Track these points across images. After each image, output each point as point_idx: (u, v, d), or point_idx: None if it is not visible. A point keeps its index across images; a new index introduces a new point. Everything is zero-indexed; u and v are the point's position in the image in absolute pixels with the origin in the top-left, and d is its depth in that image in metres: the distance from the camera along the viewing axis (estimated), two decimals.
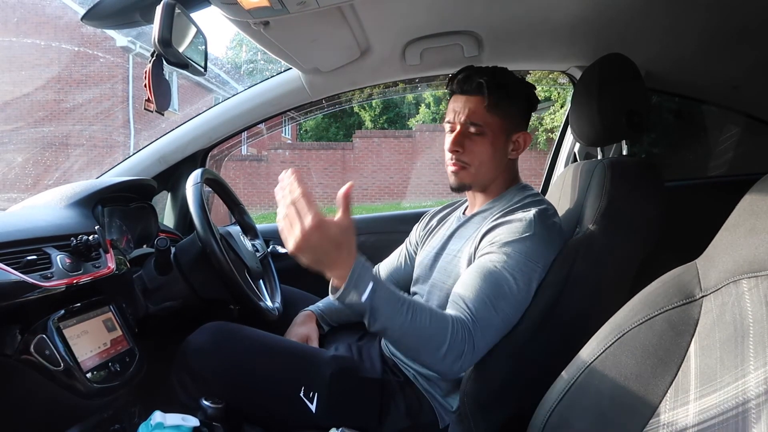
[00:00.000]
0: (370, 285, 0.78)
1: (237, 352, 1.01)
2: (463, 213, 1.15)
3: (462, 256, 1.02)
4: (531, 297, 0.91)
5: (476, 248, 0.98)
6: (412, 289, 1.17)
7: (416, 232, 1.29)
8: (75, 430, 0.87)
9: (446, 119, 1.07)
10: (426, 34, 1.22)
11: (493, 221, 0.98)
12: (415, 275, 1.17)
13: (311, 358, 1.05)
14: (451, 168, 1.06)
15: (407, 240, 1.31)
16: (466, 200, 1.17)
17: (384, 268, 1.31)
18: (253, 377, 1.00)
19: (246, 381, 0.99)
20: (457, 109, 1.04)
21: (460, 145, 1.03)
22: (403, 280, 1.27)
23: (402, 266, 1.28)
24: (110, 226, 1.17)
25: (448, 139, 1.05)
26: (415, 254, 1.25)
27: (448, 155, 1.06)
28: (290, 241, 0.75)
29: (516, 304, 0.90)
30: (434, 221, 1.23)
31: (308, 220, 0.73)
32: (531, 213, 0.95)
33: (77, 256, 0.91)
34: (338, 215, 0.77)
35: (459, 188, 1.07)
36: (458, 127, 1.03)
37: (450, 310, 0.88)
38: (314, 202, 0.74)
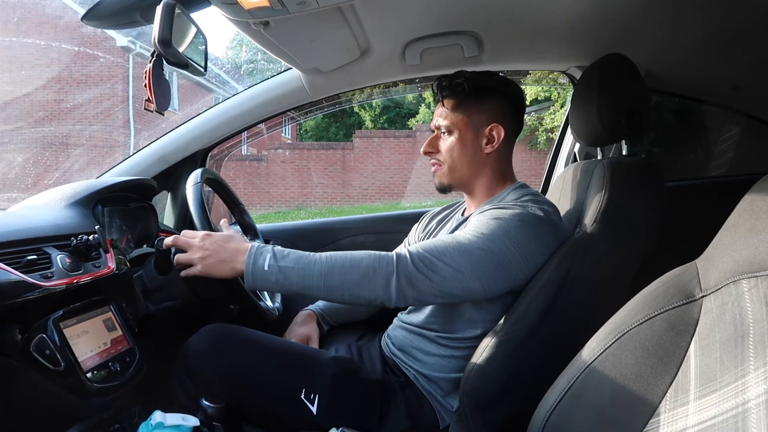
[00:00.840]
0: (269, 254, 0.89)
1: (237, 355, 1.01)
2: (462, 214, 1.15)
3: None
4: (500, 274, 0.90)
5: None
6: None
7: (415, 233, 1.29)
8: (75, 430, 0.87)
9: None
10: (426, 34, 1.22)
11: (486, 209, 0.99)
12: None
13: (312, 359, 1.05)
14: (431, 170, 1.12)
15: (405, 241, 1.31)
16: (464, 201, 1.18)
17: None
18: (254, 379, 1.00)
19: (247, 383, 0.99)
20: (433, 117, 1.12)
21: (431, 146, 1.10)
22: None
23: None
24: (110, 226, 1.17)
25: None
26: None
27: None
28: (194, 256, 0.93)
29: (473, 263, 0.89)
30: (433, 223, 1.23)
31: (197, 235, 0.94)
32: (527, 208, 0.95)
33: (77, 256, 0.91)
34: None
35: (442, 189, 1.11)
36: (434, 133, 1.11)
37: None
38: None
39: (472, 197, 1.11)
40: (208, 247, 0.92)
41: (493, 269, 0.90)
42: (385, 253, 0.91)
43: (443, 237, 0.95)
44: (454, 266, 0.89)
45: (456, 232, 0.96)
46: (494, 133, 1.06)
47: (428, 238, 1.20)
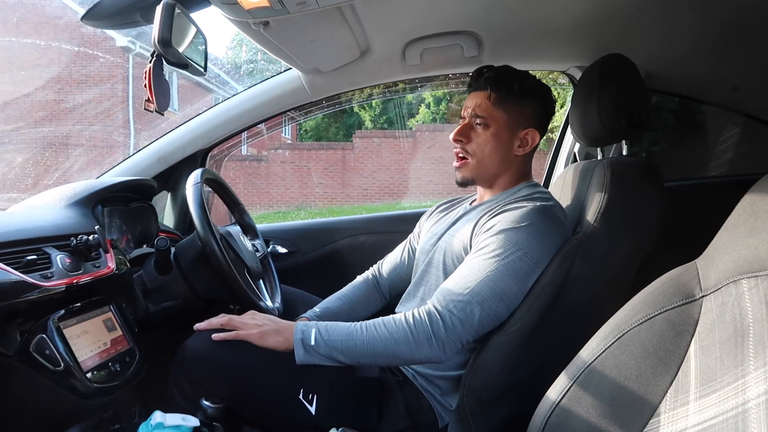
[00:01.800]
0: (314, 330, 0.93)
1: (235, 355, 1.00)
2: (470, 204, 1.16)
3: (459, 237, 1.03)
4: (519, 287, 0.92)
5: (474, 233, 1.00)
6: (413, 273, 1.17)
7: (420, 224, 1.29)
8: (75, 430, 0.87)
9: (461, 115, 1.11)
10: (426, 35, 1.22)
11: (495, 211, 0.99)
12: (416, 260, 1.18)
13: None
14: (455, 162, 1.09)
15: (411, 234, 1.31)
16: (474, 194, 1.18)
17: (387, 264, 1.32)
18: (252, 380, 0.99)
19: (245, 384, 0.99)
20: (468, 104, 1.08)
21: (463, 135, 1.07)
22: (406, 274, 1.27)
23: (405, 261, 1.28)
24: (110, 226, 1.17)
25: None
26: (416, 248, 1.25)
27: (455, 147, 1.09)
28: (252, 332, 0.95)
29: (495, 288, 0.90)
30: (438, 211, 1.25)
31: (246, 315, 0.99)
32: (532, 205, 0.96)
33: (77, 256, 0.91)
34: None
35: (463, 183, 1.09)
36: (466, 120, 1.08)
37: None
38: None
39: (487, 190, 1.11)
40: (262, 322, 0.97)
41: (513, 287, 0.91)
42: (417, 315, 0.91)
43: (462, 272, 0.94)
44: (481, 304, 0.90)
45: (473, 261, 0.94)
46: (528, 137, 1.06)
47: (434, 224, 1.21)
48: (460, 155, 1.08)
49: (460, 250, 1.02)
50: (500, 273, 0.91)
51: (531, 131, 1.06)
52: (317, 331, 0.93)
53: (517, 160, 1.08)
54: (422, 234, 1.25)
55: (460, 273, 0.94)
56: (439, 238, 1.11)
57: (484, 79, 1.05)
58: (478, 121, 1.06)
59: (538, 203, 0.97)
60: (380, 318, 0.94)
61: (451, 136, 1.08)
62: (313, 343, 0.92)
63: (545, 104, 1.08)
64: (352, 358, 0.92)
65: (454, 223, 1.11)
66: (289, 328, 0.95)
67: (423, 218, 1.30)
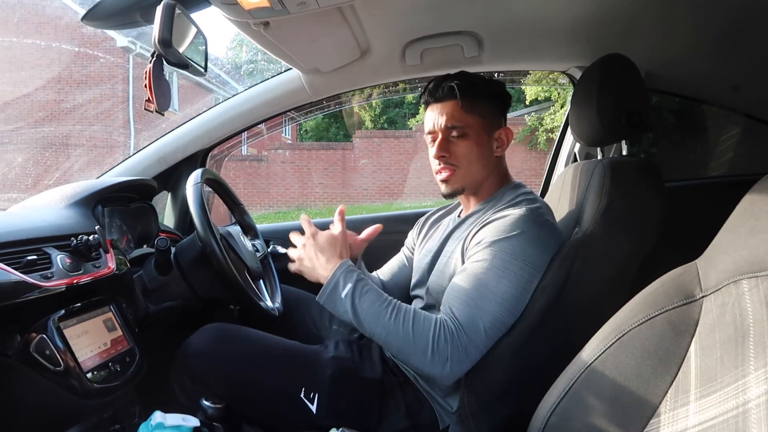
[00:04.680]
0: (350, 285, 0.92)
1: (237, 354, 1.01)
2: (458, 215, 1.15)
3: (455, 257, 1.02)
4: (525, 296, 0.91)
5: (465, 248, 0.99)
6: (412, 293, 1.17)
7: (412, 236, 1.29)
8: (75, 430, 0.87)
9: (426, 131, 1.08)
10: (426, 35, 1.22)
11: (483, 221, 0.99)
12: (413, 279, 1.17)
13: (311, 358, 1.05)
14: (441, 176, 1.06)
15: (404, 246, 1.31)
16: (459, 202, 1.18)
17: (383, 274, 1.31)
18: (253, 379, 1.00)
19: (246, 382, 0.99)
20: (434, 117, 1.06)
21: (445, 150, 1.04)
22: (404, 284, 1.27)
23: (401, 271, 1.28)
24: (110, 226, 1.17)
25: (432, 149, 1.06)
26: (413, 257, 1.25)
27: (435, 164, 1.07)
28: (295, 256, 1.02)
29: (504, 302, 0.90)
30: (429, 224, 1.24)
31: (302, 239, 1.02)
32: (520, 211, 0.95)
33: (77, 256, 0.91)
34: (333, 228, 1.01)
35: (452, 194, 1.07)
36: (440, 134, 1.05)
37: (439, 314, 0.92)
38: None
39: (472, 198, 1.11)
40: (303, 255, 1.00)
41: (518, 296, 0.91)
42: (440, 332, 0.88)
43: (472, 294, 0.91)
44: (495, 322, 0.90)
45: (478, 278, 0.92)
46: (503, 136, 1.07)
47: (426, 240, 1.20)
48: (446, 169, 1.04)
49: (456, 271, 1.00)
50: (506, 287, 0.90)
51: (504, 130, 1.07)
52: (352, 288, 0.91)
53: (498, 161, 1.08)
54: (416, 248, 1.24)
55: (470, 294, 0.91)
56: (434, 258, 1.10)
57: (449, 88, 1.02)
58: (454, 132, 1.03)
59: (524, 208, 0.96)
60: (411, 309, 0.91)
61: (433, 154, 1.05)
62: (343, 296, 0.91)
63: (503, 99, 1.09)
64: (367, 333, 0.92)
65: (446, 240, 1.10)
66: (324, 272, 0.96)
67: (413, 230, 1.29)
